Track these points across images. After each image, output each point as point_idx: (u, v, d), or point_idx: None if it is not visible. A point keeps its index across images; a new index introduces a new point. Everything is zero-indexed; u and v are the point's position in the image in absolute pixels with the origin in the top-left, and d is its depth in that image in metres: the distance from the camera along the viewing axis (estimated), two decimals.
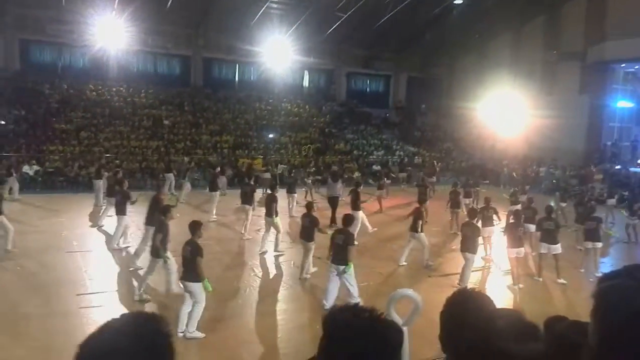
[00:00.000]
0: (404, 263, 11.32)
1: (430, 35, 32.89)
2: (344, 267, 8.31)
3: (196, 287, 7.27)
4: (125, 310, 7.66)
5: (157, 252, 8.59)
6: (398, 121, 36.10)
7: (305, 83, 35.55)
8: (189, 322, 7.21)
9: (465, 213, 12.34)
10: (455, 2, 29.32)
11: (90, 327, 6.76)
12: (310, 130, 30.77)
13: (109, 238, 12.59)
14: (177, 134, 26.64)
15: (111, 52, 26.93)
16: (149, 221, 10.61)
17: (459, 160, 30.63)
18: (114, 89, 28.23)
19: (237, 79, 33.21)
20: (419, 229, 11.15)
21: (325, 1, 28.41)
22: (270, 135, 28.73)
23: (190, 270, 7.31)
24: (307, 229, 10.29)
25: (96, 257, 11.16)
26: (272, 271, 11.00)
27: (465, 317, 1.67)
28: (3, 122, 23.48)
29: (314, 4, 28.56)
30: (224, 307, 8.45)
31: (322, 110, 33.39)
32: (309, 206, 10.93)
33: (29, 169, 20.86)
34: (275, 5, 29.13)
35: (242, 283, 9.93)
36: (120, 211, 11.75)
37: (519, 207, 14.05)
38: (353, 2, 27.56)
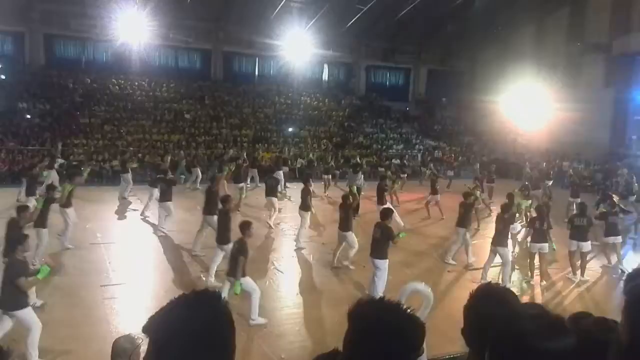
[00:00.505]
0: (453, 262, 11.15)
1: (451, 28, 32.51)
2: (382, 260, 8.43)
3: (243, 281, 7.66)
4: (148, 302, 7.82)
5: (226, 239, 9.18)
6: (418, 115, 35.85)
7: (325, 77, 35.51)
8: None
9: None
10: None
11: (114, 317, 6.95)
12: (329, 124, 30.76)
13: (133, 229, 12.82)
14: (197, 128, 26.88)
15: (133, 46, 27.26)
16: (206, 211, 11.21)
17: (480, 154, 30.29)
18: (136, 83, 28.61)
19: (257, 72, 33.32)
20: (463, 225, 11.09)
21: None
22: (290, 129, 28.78)
23: (234, 268, 7.69)
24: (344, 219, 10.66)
25: (119, 249, 11.36)
26: (294, 264, 11.07)
27: (490, 312, 1.68)
28: (28, 116, 23.96)
29: None
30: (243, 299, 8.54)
31: (341, 104, 33.33)
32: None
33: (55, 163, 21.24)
34: None
35: (263, 275, 10.00)
36: (166, 198, 12.55)
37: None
38: None
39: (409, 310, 1.45)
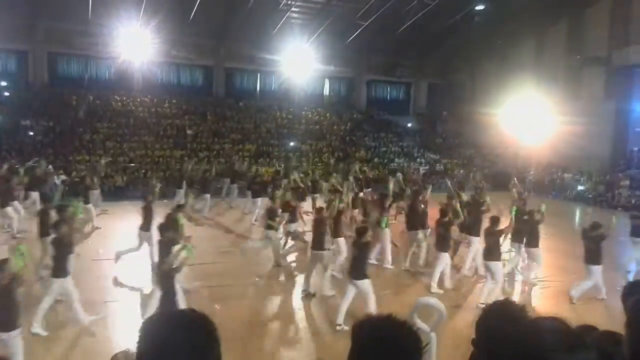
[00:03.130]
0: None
1: (451, 42, 32.76)
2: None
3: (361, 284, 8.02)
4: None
5: (322, 245, 9.68)
6: (419, 128, 35.96)
7: (326, 91, 35.74)
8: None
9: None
10: (476, 8, 29.16)
11: (117, 335, 6.92)
12: (331, 138, 30.87)
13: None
14: (200, 143, 27.00)
15: (136, 63, 27.50)
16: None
17: (482, 167, 30.30)
18: (139, 100, 28.82)
19: (258, 88, 33.57)
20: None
21: (346, 10, 28.59)
22: (292, 144, 28.89)
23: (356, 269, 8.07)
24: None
25: (122, 265, 11.33)
26: (295, 278, 11.04)
27: (504, 327, 1.68)
28: (31, 133, 24.12)
29: (334, 12, 28.76)
30: (250, 311, 8.52)
31: (342, 118, 33.47)
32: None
33: (56, 179, 21.31)
34: (296, 15, 29.42)
35: (266, 291, 9.98)
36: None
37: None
38: (374, 10, 27.67)
39: (412, 327, 1.47)
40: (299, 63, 29.69)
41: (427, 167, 29.55)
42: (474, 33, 31.59)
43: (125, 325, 7.95)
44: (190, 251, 7.14)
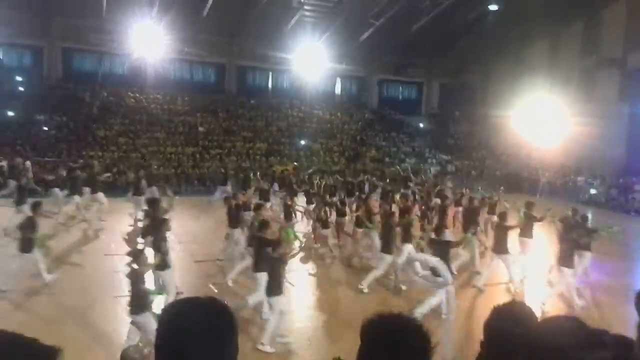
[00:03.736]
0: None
1: (464, 42, 32.57)
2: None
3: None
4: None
5: (390, 249, 9.79)
6: (431, 129, 35.82)
7: (338, 90, 35.73)
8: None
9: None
10: (489, 7, 28.97)
11: (126, 328, 6.93)
12: (342, 137, 30.85)
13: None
14: (211, 141, 27.11)
15: (149, 60, 27.71)
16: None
17: (494, 168, 30.13)
18: (152, 96, 29.00)
19: (270, 86, 33.65)
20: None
21: (359, 9, 28.54)
22: (303, 142, 28.92)
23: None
24: None
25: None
26: (309, 281, 11.05)
27: (514, 328, 1.69)
28: (46, 128, 24.38)
29: (347, 11, 28.73)
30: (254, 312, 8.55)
31: (353, 118, 33.44)
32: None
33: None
34: (308, 13, 29.42)
35: None
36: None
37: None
38: (386, 9, 27.63)
39: (422, 325, 1.47)
40: (310, 61, 29.72)
41: (439, 168, 29.41)
42: (487, 33, 31.37)
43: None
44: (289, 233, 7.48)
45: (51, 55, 28.10)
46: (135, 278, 6.54)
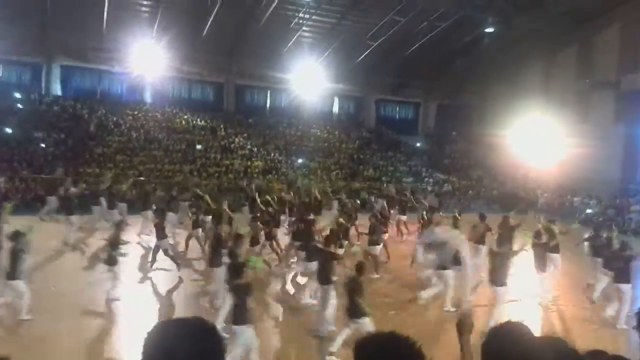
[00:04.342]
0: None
1: (460, 63, 32.97)
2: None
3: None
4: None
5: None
6: (427, 148, 36.02)
7: (335, 110, 35.98)
8: None
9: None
10: (486, 30, 29.41)
11: (126, 350, 6.85)
12: (339, 156, 30.95)
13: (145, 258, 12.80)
14: (209, 159, 27.13)
15: (148, 78, 27.85)
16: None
17: (491, 188, 30.24)
18: (150, 114, 29.06)
19: (268, 105, 33.86)
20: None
21: (356, 30, 28.93)
22: (300, 161, 28.99)
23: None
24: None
25: (132, 276, 11.31)
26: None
27: (510, 349, 1.69)
28: (43, 145, 24.32)
29: (345, 32, 29.11)
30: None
31: (351, 137, 33.60)
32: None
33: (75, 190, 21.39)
34: (307, 34, 29.76)
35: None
36: None
37: None
38: (384, 30, 27.99)
39: (416, 343, 1.47)
40: (308, 81, 29.98)
41: (436, 188, 29.43)
42: (484, 55, 31.83)
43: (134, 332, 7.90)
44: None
45: (50, 72, 28.19)
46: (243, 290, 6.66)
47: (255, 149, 29.13)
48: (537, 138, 27.90)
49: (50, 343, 7.55)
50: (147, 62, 26.51)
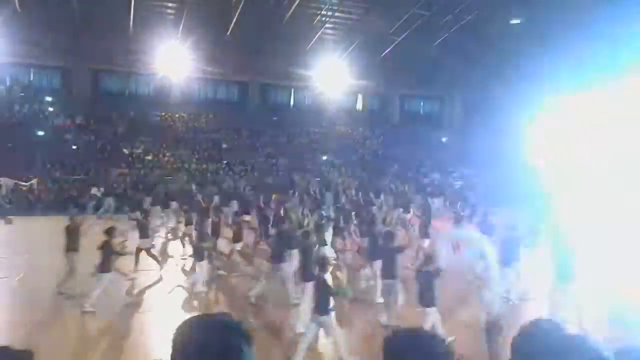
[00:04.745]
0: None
1: (487, 55, 32.43)
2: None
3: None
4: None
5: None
6: (454, 143, 35.58)
7: (359, 106, 35.84)
8: None
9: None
10: (512, 22, 28.88)
11: (153, 346, 6.97)
12: (363, 152, 30.86)
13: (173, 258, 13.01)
14: (234, 157, 27.41)
15: (174, 79, 28.26)
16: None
17: (518, 182, 29.67)
18: (177, 115, 29.53)
19: (292, 103, 33.95)
20: None
21: (380, 25, 28.72)
22: (324, 158, 29.02)
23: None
24: None
25: (158, 276, 11.50)
26: None
27: (543, 347, 1.67)
28: (75, 147, 24.95)
29: (368, 28, 28.94)
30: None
31: (375, 133, 33.45)
32: None
33: (97, 192, 21.96)
34: (330, 31, 29.73)
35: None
36: None
37: None
38: (407, 25, 27.75)
39: (444, 340, 1.47)
40: (332, 78, 29.93)
41: (462, 183, 29.13)
42: (510, 47, 31.21)
43: (159, 334, 8.04)
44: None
45: (79, 75, 28.85)
46: (322, 282, 6.91)
47: (280, 146, 29.30)
48: (568, 129, 27.22)
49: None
50: (173, 63, 26.91)
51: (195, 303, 9.68)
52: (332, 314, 6.92)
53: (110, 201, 18.48)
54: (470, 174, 30.83)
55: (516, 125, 30.30)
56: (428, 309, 7.49)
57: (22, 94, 26.80)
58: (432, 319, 7.48)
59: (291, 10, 26.07)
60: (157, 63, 26.88)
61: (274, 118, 31.75)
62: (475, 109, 36.49)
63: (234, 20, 26.26)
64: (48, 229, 15.10)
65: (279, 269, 9.42)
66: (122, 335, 8.04)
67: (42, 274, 11.19)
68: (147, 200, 15.28)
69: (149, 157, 25.63)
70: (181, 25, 26.53)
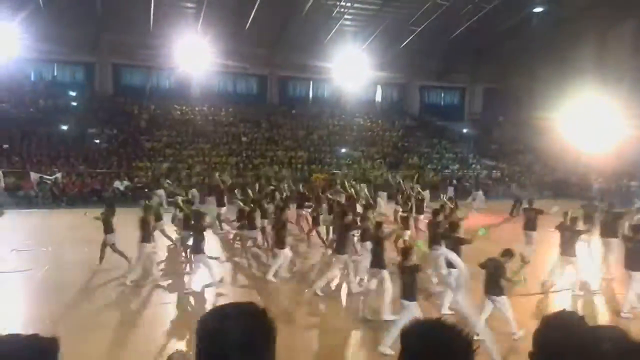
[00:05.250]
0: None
1: (508, 45, 31.90)
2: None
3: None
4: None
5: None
6: (474, 134, 35.20)
7: (378, 98, 35.65)
8: None
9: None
10: (534, 10, 28.32)
11: (169, 333, 7.05)
12: (383, 144, 30.73)
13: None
14: (254, 150, 27.56)
15: (194, 73, 28.48)
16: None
17: (542, 174, 29.30)
18: (197, 109, 29.79)
19: (311, 95, 33.97)
20: None
21: (399, 15, 28.47)
22: (343, 150, 28.98)
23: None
24: None
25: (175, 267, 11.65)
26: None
27: (561, 337, 1.66)
28: (97, 141, 25.38)
29: (387, 18, 28.71)
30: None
31: (395, 125, 33.26)
32: None
33: (120, 185, 22.34)
34: (348, 22, 29.57)
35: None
36: None
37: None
38: (427, 15, 27.42)
39: (462, 331, 1.45)
40: (351, 70, 29.77)
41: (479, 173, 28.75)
42: (532, 36, 30.63)
43: (179, 325, 8.16)
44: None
45: (102, 70, 29.32)
46: (497, 267, 7.25)
47: (299, 139, 29.35)
48: (591, 119, 26.65)
49: None
50: (192, 57, 27.10)
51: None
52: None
53: (162, 193, 17.77)
54: (491, 166, 30.46)
55: (539, 117, 29.75)
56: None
57: (46, 89, 27.34)
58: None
59: (310, 3, 25.99)
60: (177, 57, 27.08)
61: (293, 111, 31.81)
62: (496, 100, 35.98)
63: (253, 13, 26.30)
64: (71, 221, 15.45)
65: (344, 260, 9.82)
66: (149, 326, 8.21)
67: (66, 267, 11.48)
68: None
69: (170, 151, 25.90)
70: (201, 20, 26.68)
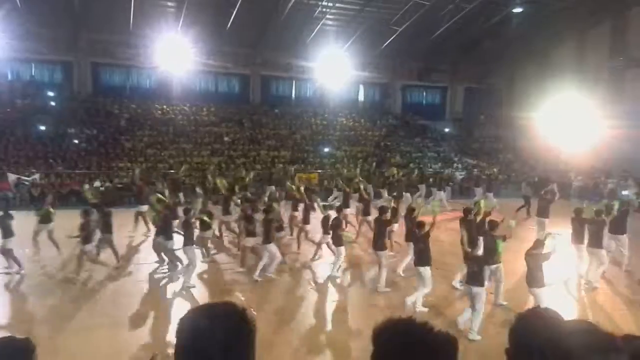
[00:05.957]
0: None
1: (488, 45, 32.26)
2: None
3: None
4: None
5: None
6: (456, 133, 35.53)
7: (361, 97, 35.76)
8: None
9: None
10: (514, 10, 28.66)
11: (158, 335, 7.02)
12: (365, 144, 30.82)
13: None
14: (236, 150, 27.41)
15: (175, 72, 28.23)
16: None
17: (521, 172, 29.64)
18: (178, 108, 29.52)
19: (293, 95, 33.91)
20: None
21: (381, 16, 28.58)
22: (326, 150, 28.99)
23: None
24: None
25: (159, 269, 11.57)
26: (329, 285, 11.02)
27: (535, 331, 1.67)
28: (76, 141, 25.00)
29: (369, 19, 28.80)
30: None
31: (377, 124, 33.39)
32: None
33: (99, 185, 22.00)
34: (330, 22, 29.58)
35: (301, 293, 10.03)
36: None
37: None
38: (408, 15, 27.59)
39: (440, 331, 1.42)
40: (333, 70, 29.80)
41: (464, 173, 29.04)
42: (512, 36, 31.04)
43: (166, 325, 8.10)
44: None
45: (80, 70, 28.87)
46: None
47: (282, 139, 29.27)
48: (570, 119, 27.08)
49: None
50: (173, 56, 26.84)
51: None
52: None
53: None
54: (472, 164, 30.74)
55: (519, 116, 30.16)
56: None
57: (24, 89, 26.84)
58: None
59: (291, 2, 25.93)
60: (158, 56, 26.80)
61: (276, 110, 31.73)
62: (477, 99, 36.39)
63: (234, 12, 26.15)
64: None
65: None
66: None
67: (45, 266, 11.35)
68: None
69: (151, 151, 25.62)
70: (182, 18, 26.43)
